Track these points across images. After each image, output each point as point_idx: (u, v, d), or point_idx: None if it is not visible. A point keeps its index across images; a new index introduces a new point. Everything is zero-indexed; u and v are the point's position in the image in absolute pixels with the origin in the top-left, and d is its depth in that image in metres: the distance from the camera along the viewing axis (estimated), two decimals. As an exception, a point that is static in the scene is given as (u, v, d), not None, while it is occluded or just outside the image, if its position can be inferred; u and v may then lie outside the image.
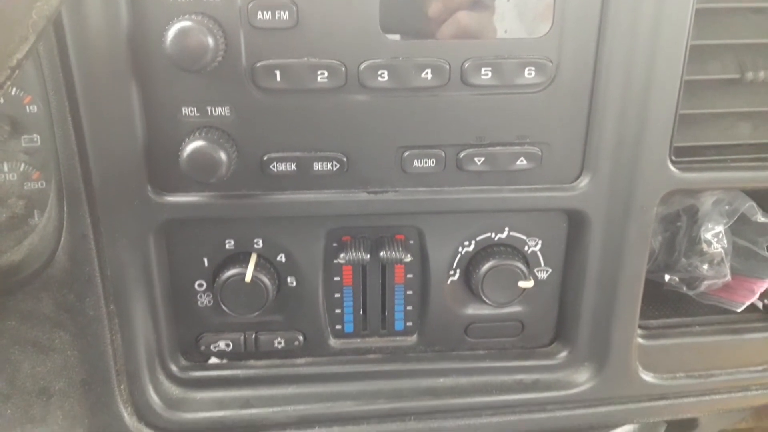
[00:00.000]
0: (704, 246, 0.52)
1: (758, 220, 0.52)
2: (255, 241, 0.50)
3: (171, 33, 0.39)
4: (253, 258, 0.50)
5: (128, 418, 0.51)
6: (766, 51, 0.47)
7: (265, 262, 0.50)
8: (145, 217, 0.46)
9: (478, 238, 0.51)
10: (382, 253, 0.49)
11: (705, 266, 0.54)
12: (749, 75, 0.46)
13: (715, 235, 0.52)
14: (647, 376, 0.53)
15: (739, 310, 0.53)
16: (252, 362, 0.54)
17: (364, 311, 0.53)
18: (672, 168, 0.46)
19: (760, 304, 0.54)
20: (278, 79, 0.43)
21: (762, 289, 0.53)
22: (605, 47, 0.44)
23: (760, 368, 0.54)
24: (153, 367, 0.51)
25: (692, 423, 0.61)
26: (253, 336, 0.53)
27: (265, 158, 0.46)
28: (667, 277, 0.57)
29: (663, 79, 0.44)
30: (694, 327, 0.54)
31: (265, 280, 0.49)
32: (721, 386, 0.54)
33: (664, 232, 0.57)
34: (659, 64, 0.44)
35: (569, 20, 0.43)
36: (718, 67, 0.46)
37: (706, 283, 0.55)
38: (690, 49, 0.44)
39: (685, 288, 0.56)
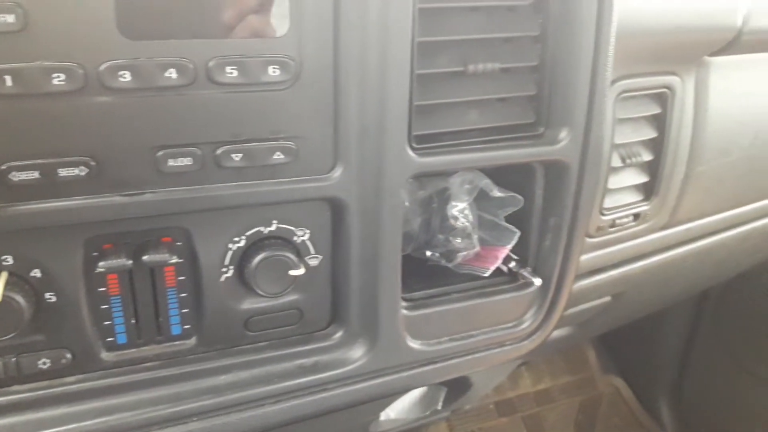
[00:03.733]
0: (452, 221, 0.58)
1: (495, 195, 0.59)
2: (3, 258, 0.47)
3: None
4: (3, 276, 0.46)
5: None
6: (484, 46, 0.53)
7: (19, 280, 0.47)
8: None
9: (248, 233, 0.52)
10: (145, 258, 0.48)
11: (458, 240, 0.61)
12: (471, 68, 0.52)
13: (460, 211, 0.58)
14: (415, 344, 0.58)
15: (486, 275, 0.60)
16: (15, 387, 0.50)
17: (137, 320, 0.52)
18: (412, 154, 0.51)
19: (505, 268, 0.62)
20: (9, 84, 0.41)
21: (504, 255, 0.60)
22: (341, 45, 0.47)
23: (511, 324, 0.62)
24: None
25: (466, 383, 0.68)
26: (13, 360, 0.50)
27: (3, 167, 0.43)
28: (428, 253, 0.63)
29: (395, 74, 0.48)
30: (453, 294, 0.60)
31: (19, 299, 0.46)
32: (481, 345, 0.61)
33: (423, 214, 0.63)
34: (390, 60, 0.48)
35: (306, 20, 0.46)
36: (445, 61, 0.52)
37: (460, 255, 0.62)
38: (418, 45, 0.49)
39: (444, 261, 0.62)
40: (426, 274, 0.63)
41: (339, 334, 0.56)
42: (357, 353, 0.56)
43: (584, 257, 0.75)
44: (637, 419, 1.76)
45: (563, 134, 0.55)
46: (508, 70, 0.55)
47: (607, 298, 0.87)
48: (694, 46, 0.68)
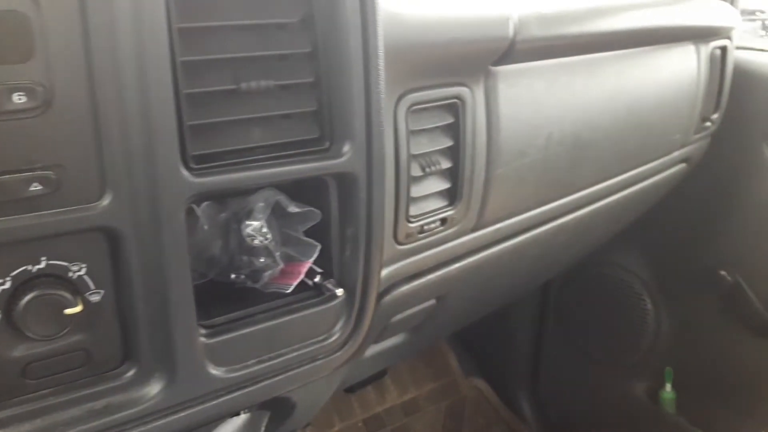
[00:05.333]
0: (249, 241, 0.58)
1: (292, 211, 0.59)
2: None
3: None
4: None
5: None
6: (257, 64, 0.54)
7: None
8: None
9: (12, 274, 0.48)
10: None
11: (261, 259, 0.60)
12: (244, 86, 0.52)
13: (255, 230, 0.58)
14: (218, 372, 0.56)
15: (288, 291, 0.60)
16: None
17: None
18: (187, 175, 0.50)
19: (311, 282, 0.62)
20: None
21: (306, 269, 0.60)
22: (95, 68, 0.45)
23: (321, 338, 0.62)
24: None
25: (288, 405, 0.67)
26: None
27: None
28: (233, 276, 0.62)
29: (157, 95, 0.47)
30: (257, 315, 0.59)
31: None
32: (292, 362, 0.61)
33: (224, 237, 0.62)
34: (150, 81, 0.47)
35: (52, 44, 0.44)
36: (215, 79, 0.52)
37: (266, 274, 0.61)
38: (182, 64, 0.49)
39: (250, 282, 0.61)
40: (233, 297, 0.61)
41: (132, 372, 0.53)
42: (154, 389, 0.54)
43: (400, 263, 0.77)
44: (500, 416, 1.84)
45: (346, 148, 0.57)
46: (287, 87, 0.55)
47: (432, 301, 0.90)
48: (475, 57, 0.73)
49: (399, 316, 0.86)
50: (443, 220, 0.78)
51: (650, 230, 1.45)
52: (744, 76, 1.27)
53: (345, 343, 0.64)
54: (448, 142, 0.75)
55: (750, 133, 1.29)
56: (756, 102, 1.28)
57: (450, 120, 0.75)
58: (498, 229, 0.88)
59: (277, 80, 0.54)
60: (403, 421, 1.72)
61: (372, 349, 0.93)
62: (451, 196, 0.78)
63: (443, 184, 0.77)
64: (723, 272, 1.34)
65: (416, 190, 0.74)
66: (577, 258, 1.37)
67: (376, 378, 1.64)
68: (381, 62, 0.56)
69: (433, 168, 0.74)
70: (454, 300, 0.94)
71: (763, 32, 1.37)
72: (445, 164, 0.76)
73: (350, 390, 1.59)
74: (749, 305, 1.34)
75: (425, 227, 0.76)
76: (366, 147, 0.57)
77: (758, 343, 1.36)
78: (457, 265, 0.87)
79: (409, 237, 0.75)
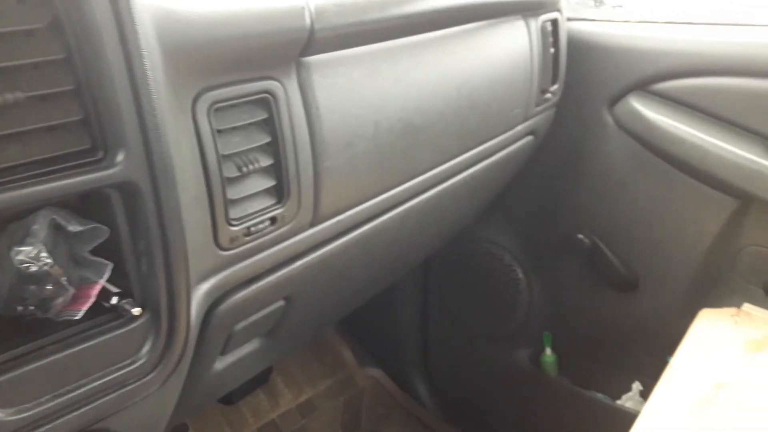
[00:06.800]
0: (24, 269, 0.53)
1: (74, 230, 0.55)
2: None
3: None
4: None
5: None
6: (5, 75, 0.49)
7: None
8: None
9: None
10: None
11: (48, 286, 0.55)
12: (-6, 100, 0.48)
13: (28, 255, 0.53)
14: (2, 414, 0.51)
15: (77, 317, 0.55)
16: None
17: None
18: None
19: (107, 304, 0.58)
20: None
21: (97, 291, 0.56)
22: None
23: (127, 362, 0.58)
24: None
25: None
26: None
27: None
28: (19, 308, 0.57)
29: None
30: (48, 347, 0.54)
31: None
32: (96, 392, 0.57)
33: (5, 268, 0.56)
34: None
35: None
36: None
37: (57, 301, 0.56)
38: None
39: (40, 313, 0.56)
40: (22, 332, 0.56)
41: None
42: None
43: (232, 269, 0.74)
44: (398, 403, 1.85)
45: (120, 156, 0.53)
46: (47, 98, 0.51)
47: (280, 303, 0.88)
48: (276, 50, 0.70)
49: (243, 323, 0.83)
50: (273, 219, 0.75)
51: (512, 203, 1.50)
52: (579, 47, 1.32)
53: (157, 364, 0.60)
54: (265, 139, 0.73)
55: (591, 101, 1.35)
56: (593, 70, 1.33)
57: (264, 115, 0.72)
58: (339, 222, 0.87)
59: (33, 90, 0.50)
60: (300, 424, 1.69)
61: (225, 360, 0.89)
62: (279, 193, 0.76)
63: (267, 182, 0.74)
64: (581, 236, 1.40)
65: (235, 192, 0.71)
66: (440, 238, 1.39)
67: (259, 384, 1.60)
68: (146, 62, 0.52)
69: (251, 167, 0.72)
70: (306, 298, 0.92)
71: (593, 2, 1.43)
72: (266, 161, 0.73)
73: (229, 402, 1.54)
74: (609, 264, 1.41)
75: (252, 229, 0.73)
76: (145, 154, 0.54)
77: (622, 299, 1.44)
78: (299, 262, 0.84)
79: (234, 241, 0.72)
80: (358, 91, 0.83)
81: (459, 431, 1.75)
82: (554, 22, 1.24)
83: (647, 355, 1.43)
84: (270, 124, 0.73)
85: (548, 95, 1.26)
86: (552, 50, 1.24)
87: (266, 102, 0.72)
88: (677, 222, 1.29)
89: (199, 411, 1.11)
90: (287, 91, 0.74)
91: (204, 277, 0.70)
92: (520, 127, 1.22)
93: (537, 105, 1.24)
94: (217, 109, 0.67)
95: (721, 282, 1.32)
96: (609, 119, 1.33)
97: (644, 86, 1.27)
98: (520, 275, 1.56)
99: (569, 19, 1.33)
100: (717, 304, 1.19)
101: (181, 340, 0.61)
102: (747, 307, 1.18)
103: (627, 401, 1.49)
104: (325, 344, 1.84)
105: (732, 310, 1.17)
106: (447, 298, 1.72)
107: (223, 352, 0.86)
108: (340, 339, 1.86)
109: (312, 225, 0.83)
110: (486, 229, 1.57)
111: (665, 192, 1.28)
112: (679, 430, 0.82)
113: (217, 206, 0.68)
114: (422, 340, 1.82)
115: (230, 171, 0.70)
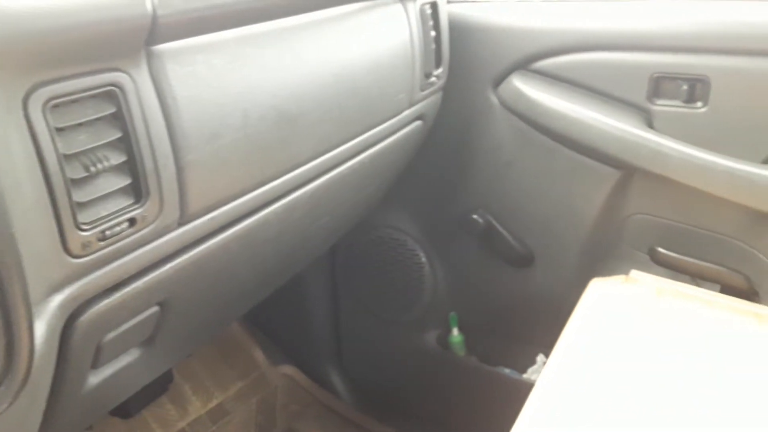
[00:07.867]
0: None
1: None
2: None
3: None
4: None
5: None
6: None
7: None
8: None
9: None
10: None
11: None
12: None
13: None
14: None
15: None
16: None
17: None
18: None
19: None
20: None
21: None
22: None
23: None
24: None
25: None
26: None
27: None
28: None
29: None
30: None
31: None
32: None
33: None
34: None
35: None
36: None
37: None
38: None
39: None
40: None
41: None
42: None
43: (89, 277, 0.69)
44: (314, 398, 1.82)
45: None
46: None
47: (154, 309, 0.83)
48: (118, 39, 0.65)
49: (113, 333, 0.78)
50: (132, 221, 0.71)
51: (409, 188, 1.50)
52: (461, 29, 1.33)
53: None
54: (115, 134, 0.68)
55: (476, 82, 1.36)
56: (476, 52, 1.35)
57: (111, 110, 0.67)
58: (213, 219, 0.83)
59: None
60: (210, 430, 1.64)
61: (100, 374, 0.84)
62: (136, 192, 0.71)
63: (121, 181, 0.69)
64: (475, 216, 1.42)
65: (83, 194, 0.66)
66: (337, 228, 1.37)
67: (158, 393, 1.54)
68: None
69: (100, 165, 0.67)
70: (184, 302, 0.88)
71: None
72: (117, 159, 0.68)
73: (126, 415, 1.47)
74: (504, 241, 1.43)
75: (108, 233, 0.68)
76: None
77: (519, 274, 1.47)
78: (170, 264, 0.80)
79: (87, 247, 0.67)
80: (222, 79, 0.79)
81: (375, 420, 1.75)
82: (433, 5, 1.24)
83: (548, 328, 1.47)
84: (119, 119, 0.68)
85: (433, 79, 1.26)
86: (433, 33, 1.24)
87: (113, 95, 0.67)
88: (564, 196, 1.33)
89: (85, 426, 1.04)
90: (136, 82, 0.69)
91: (55, 289, 0.65)
92: (407, 113, 1.21)
93: (422, 89, 1.24)
94: (55, 106, 0.62)
95: (611, 251, 1.37)
96: (494, 100, 1.34)
97: (525, 65, 1.30)
98: (423, 259, 1.57)
99: (450, 2, 1.33)
100: (608, 273, 1.22)
101: (24, 358, 0.56)
102: (634, 273, 1.23)
103: (533, 374, 1.53)
104: (233, 345, 1.79)
105: (621, 277, 1.22)
106: (356, 286, 1.71)
107: (95, 365, 0.80)
108: (249, 338, 1.81)
109: (180, 224, 0.79)
110: (387, 215, 1.56)
111: (551, 168, 1.32)
112: (572, 396, 0.84)
113: (63, 210, 0.63)
114: (334, 331, 1.81)
115: (76, 171, 0.65)
